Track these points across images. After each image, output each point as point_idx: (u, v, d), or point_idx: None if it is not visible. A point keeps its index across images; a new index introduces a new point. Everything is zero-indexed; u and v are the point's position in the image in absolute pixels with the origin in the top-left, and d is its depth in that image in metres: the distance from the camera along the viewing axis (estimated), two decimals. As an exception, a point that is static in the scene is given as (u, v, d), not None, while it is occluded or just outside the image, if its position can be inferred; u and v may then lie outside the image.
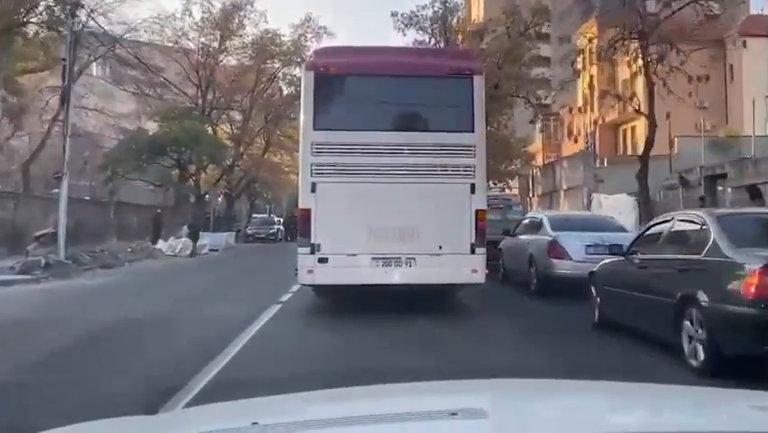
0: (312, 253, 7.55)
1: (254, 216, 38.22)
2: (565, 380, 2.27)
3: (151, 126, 30.01)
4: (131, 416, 1.50)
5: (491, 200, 17.03)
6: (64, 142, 15.65)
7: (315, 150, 7.72)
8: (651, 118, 17.59)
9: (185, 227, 23.34)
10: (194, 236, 21.37)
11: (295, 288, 9.06)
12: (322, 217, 7.56)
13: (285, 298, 8.99)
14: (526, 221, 11.95)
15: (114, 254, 17.24)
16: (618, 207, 17.84)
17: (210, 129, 31.67)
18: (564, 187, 27.46)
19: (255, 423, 1.21)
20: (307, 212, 7.58)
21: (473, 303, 8.75)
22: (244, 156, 34.28)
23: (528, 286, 10.12)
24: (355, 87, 8.03)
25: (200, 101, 31.83)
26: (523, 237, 11.10)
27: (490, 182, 26.92)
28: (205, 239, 22.90)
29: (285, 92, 34.16)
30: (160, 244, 20.92)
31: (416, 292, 7.89)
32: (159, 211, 25.72)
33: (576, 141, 37.04)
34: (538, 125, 35.19)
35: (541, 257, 9.80)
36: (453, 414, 1.22)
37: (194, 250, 20.99)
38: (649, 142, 17.66)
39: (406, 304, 7.58)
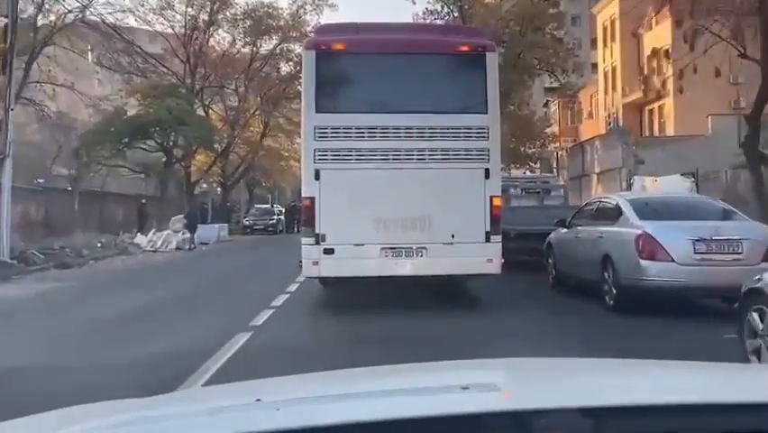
0: (317, 243, 7.75)
1: (256, 206, 38.24)
2: (582, 358, 2.37)
3: (135, 106, 28.88)
4: (131, 398, 1.54)
5: (526, 183, 16.29)
6: (6, 117, 14.20)
7: (317, 134, 7.90)
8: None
9: (175, 219, 23.51)
10: (191, 228, 21.49)
11: (280, 301, 8.39)
12: (327, 206, 7.76)
13: (265, 316, 7.58)
14: (592, 206, 9.83)
15: (78, 251, 16.31)
16: (670, 192, 16.40)
17: (202, 111, 31.71)
18: (597, 169, 26.81)
19: (259, 400, 1.26)
20: (311, 201, 7.76)
21: (529, 325, 7.13)
22: (239, 141, 33.97)
23: (599, 297, 8.08)
24: (360, 67, 8.17)
25: (188, 80, 31.39)
26: (586, 229, 9.05)
27: (512, 166, 26.93)
28: (194, 232, 22.68)
29: (283, 70, 34.10)
30: (139, 239, 20.54)
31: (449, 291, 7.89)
32: (143, 201, 25.43)
33: (592, 119, 36.74)
34: (552, 108, 34.88)
35: (623, 258, 7.66)
36: (465, 388, 1.27)
37: (192, 243, 21.30)
38: (764, 96, 14.43)
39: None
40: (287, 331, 6.91)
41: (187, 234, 21.46)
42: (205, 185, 34.35)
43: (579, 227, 9.35)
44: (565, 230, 9.72)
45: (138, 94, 28.71)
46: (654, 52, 29.96)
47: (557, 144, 33.35)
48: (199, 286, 11.48)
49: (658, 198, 9.94)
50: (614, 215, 8.46)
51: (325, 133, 7.89)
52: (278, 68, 33.94)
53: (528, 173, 26.96)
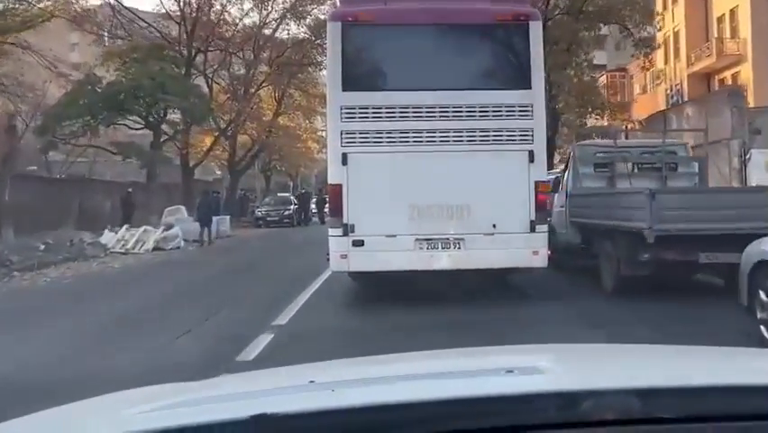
0: (345, 235, 8.28)
1: (279, 194, 37.72)
2: (628, 345, 2.58)
3: (114, 74, 27.43)
4: (180, 382, 1.71)
5: (641, 153, 11.62)
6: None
7: (344, 114, 8.41)
8: None
9: (169, 210, 22.90)
10: (205, 221, 21.27)
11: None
12: (355, 193, 8.29)
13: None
14: None
15: (3, 259, 14.54)
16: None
17: (204, 83, 31.29)
18: (691, 143, 24.81)
19: (312, 381, 1.44)
20: (338, 188, 8.22)
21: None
22: (247, 117, 32.97)
23: None
24: (390, 40, 8.64)
25: (183, 49, 30.07)
26: None
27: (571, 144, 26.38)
28: (178, 226, 21.05)
29: (294, 32, 34.26)
30: (106, 237, 19.04)
31: None
32: (129, 190, 24.73)
33: (645, 94, 36.16)
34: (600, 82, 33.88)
35: None
36: (510, 371, 1.42)
37: (210, 239, 21.25)
38: None
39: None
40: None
41: (172, 231, 20.23)
42: (219, 172, 34.21)
43: None
44: None
45: (116, 59, 27.17)
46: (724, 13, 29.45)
47: (629, 115, 32.20)
48: (168, 311, 9.11)
49: None
50: None
51: (353, 113, 8.41)
52: (288, 29, 34.51)
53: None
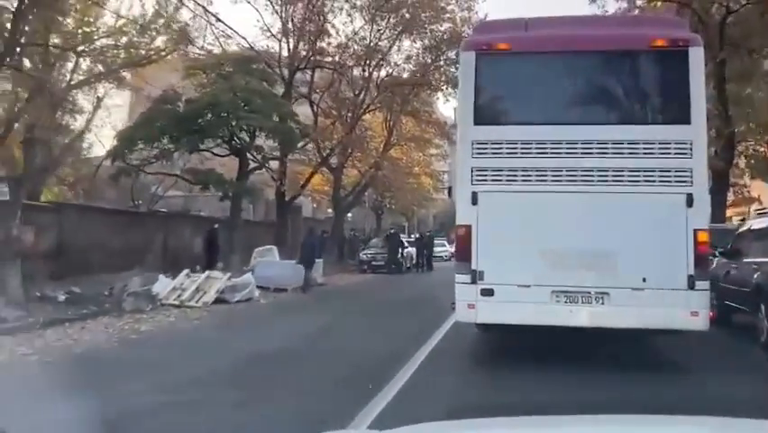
0: (473, 282, 8.61)
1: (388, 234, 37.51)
2: None
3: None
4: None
5: None
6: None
7: (476, 150, 8.83)
8: None
9: (259, 251, 22.94)
10: (308, 262, 21.73)
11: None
12: (486, 237, 8.61)
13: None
14: None
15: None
16: None
17: (309, 109, 31.34)
18: None
19: None
20: (467, 229, 8.59)
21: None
22: (353, 148, 33.05)
23: None
24: (528, 69, 9.05)
25: (283, 68, 30.39)
26: None
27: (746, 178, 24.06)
28: (261, 271, 20.56)
29: (412, 51, 33.89)
30: (160, 284, 17.55)
31: None
32: (215, 227, 24.40)
33: None
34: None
35: None
36: None
37: (310, 282, 21.55)
38: None
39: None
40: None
41: (242, 279, 19.01)
42: (330, 210, 34.90)
43: None
44: None
45: (200, 74, 26.83)
46: None
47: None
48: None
49: None
50: None
51: (485, 148, 8.83)
52: (401, 46, 34.14)
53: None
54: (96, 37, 23.68)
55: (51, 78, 22.61)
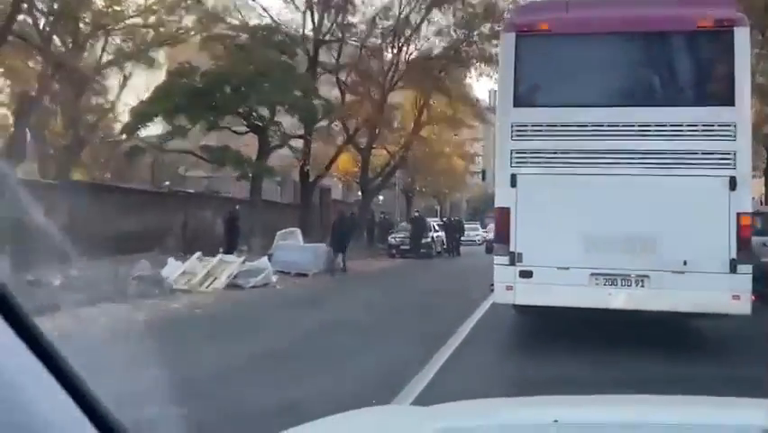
0: (512, 264, 8.97)
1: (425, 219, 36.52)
2: None
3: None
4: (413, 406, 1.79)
5: None
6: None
7: (515, 132, 9.16)
8: None
9: (282, 233, 22.76)
10: (339, 246, 21.90)
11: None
12: (525, 219, 8.95)
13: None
14: None
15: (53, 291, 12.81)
16: None
17: (337, 87, 31.14)
18: None
19: (556, 421, 1.66)
20: (506, 211, 8.89)
21: None
22: (380, 127, 32.69)
23: None
24: (569, 50, 9.33)
25: (308, 45, 29.63)
26: None
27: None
28: (280, 255, 19.99)
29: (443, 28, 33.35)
30: (169, 268, 16.87)
31: None
32: (236, 208, 23.97)
33: None
34: None
35: None
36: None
37: (343, 266, 21.68)
38: None
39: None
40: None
41: (258, 262, 18.28)
42: (360, 192, 34.67)
43: None
44: None
45: (218, 45, 26.24)
46: None
47: None
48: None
49: None
50: None
51: (525, 130, 9.17)
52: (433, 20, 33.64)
53: None
54: (125, 15, 24.53)
55: (81, 58, 23.49)
